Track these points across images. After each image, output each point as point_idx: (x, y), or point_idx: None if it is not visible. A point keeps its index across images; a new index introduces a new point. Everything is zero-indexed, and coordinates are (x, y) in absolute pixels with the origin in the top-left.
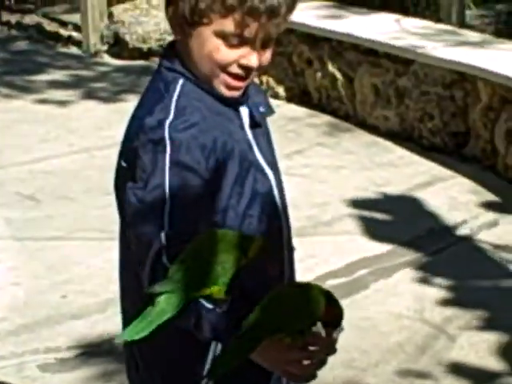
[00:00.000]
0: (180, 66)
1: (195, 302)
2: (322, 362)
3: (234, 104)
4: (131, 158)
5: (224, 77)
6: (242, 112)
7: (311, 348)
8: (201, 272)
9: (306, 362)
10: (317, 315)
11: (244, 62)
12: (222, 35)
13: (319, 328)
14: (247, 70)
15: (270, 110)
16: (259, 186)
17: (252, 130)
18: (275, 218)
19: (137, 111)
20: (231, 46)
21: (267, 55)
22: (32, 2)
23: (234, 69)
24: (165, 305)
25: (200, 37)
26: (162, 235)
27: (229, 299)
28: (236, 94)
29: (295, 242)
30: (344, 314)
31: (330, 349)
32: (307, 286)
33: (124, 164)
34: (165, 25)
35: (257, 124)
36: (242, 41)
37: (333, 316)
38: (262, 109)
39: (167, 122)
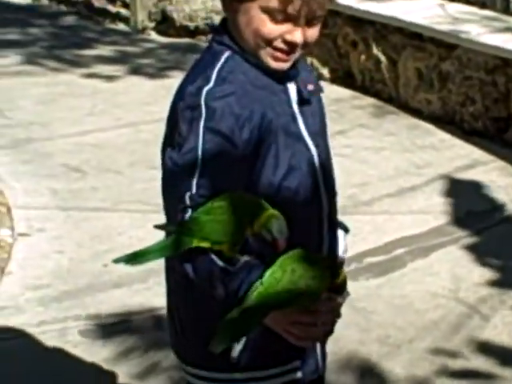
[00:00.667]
0: (228, 40)
1: (209, 260)
2: (327, 326)
3: (281, 79)
4: (172, 125)
5: (270, 50)
6: (290, 88)
7: (315, 312)
8: (214, 226)
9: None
10: (322, 290)
11: (288, 37)
12: (268, 10)
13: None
14: (292, 45)
15: (319, 89)
16: (299, 159)
17: (299, 106)
18: (314, 192)
19: (183, 81)
20: (276, 21)
21: (313, 33)
22: None
23: (279, 44)
24: (169, 242)
25: (247, 12)
26: (187, 197)
27: (239, 258)
28: (283, 65)
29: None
30: (347, 281)
31: (334, 313)
32: (314, 261)
33: (167, 131)
34: (211, 3)
35: (304, 100)
36: (286, 17)
37: (337, 286)
38: (310, 86)
39: (205, 90)
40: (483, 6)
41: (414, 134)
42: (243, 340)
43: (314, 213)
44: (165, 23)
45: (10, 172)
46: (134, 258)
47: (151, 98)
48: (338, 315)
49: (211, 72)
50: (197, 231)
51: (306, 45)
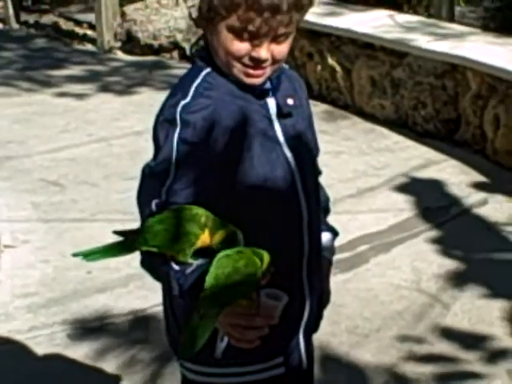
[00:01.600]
0: (207, 58)
1: (167, 265)
2: (263, 331)
3: (260, 95)
4: (152, 136)
5: (241, 67)
6: (269, 103)
7: (252, 316)
8: (165, 235)
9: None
10: (258, 277)
11: (254, 54)
12: (233, 29)
13: (263, 297)
14: (258, 61)
15: (300, 103)
16: (276, 163)
17: (279, 119)
18: (292, 194)
19: (167, 95)
20: (242, 39)
21: (281, 49)
22: (48, 2)
23: (247, 60)
24: (123, 246)
25: (218, 32)
26: (153, 204)
27: (194, 263)
28: (255, 81)
29: None
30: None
31: (269, 318)
32: (243, 252)
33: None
34: (174, 22)
35: (285, 114)
36: (250, 35)
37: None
38: (290, 101)
39: (181, 104)
40: (429, 16)
41: (370, 138)
42: (225, 339)
43: (292, 214)
44: (130, 42)
45: None
46: (90, 255)
47: (121, 114)
48: (274, 319)
49: (189, 87)
50: (150, 239)
51: (275, 61)
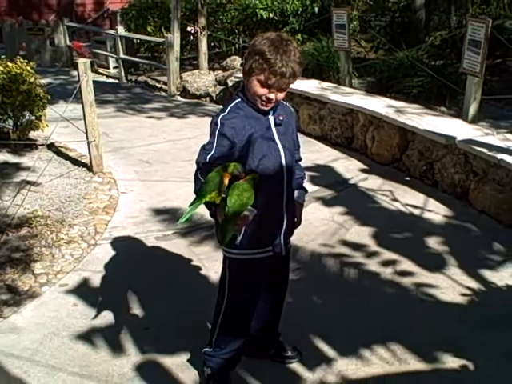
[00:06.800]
0: (241, 93)
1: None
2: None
3: (265, 114)
4: (209, 130)
5: (259, 100)
6: (270, 118)
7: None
8: (206, 187)
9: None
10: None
11: (268, 95)
12: (259, 81)
13: (247, 211)
14: (269, 100)
15: (288, 120)
16: (271, 151)
17: (276, 126)
18: (280, 167)
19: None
20: (263, 87)
21: (281, 95)
22: (142, 69)
23: (263, 98)
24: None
25: (251, 81)
26: (201, 164)
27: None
28: (266, 108)
29: None
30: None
31: (246, 219)
32: (242, 184)
33: None
34: (207, 83)
35: (278, 124)
36: (267, 86)
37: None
38: (281, 117)
39: (221, 115)
40: (339, 83)
41: (308, 145)
42: (241, 234)
43: (279, 175)
44: (184, 91)
45: (114, 163)
46: (185, 217)
47: (180, 128)
48: (249, 220)
49: (227, 107)
50: (202, 192)
51: (277, 100)
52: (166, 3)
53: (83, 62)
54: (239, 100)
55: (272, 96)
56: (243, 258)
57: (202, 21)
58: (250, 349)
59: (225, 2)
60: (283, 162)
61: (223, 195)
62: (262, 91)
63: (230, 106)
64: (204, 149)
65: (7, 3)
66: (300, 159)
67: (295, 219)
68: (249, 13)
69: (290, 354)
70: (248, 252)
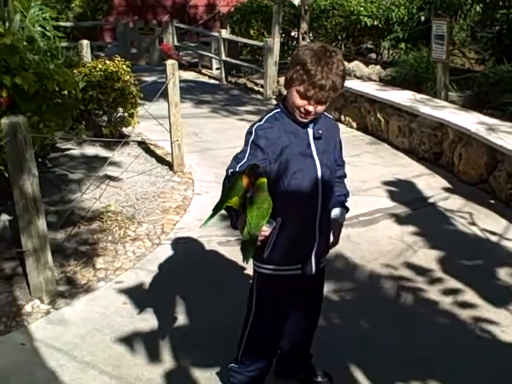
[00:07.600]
0: (281, 104)
1: (233, 211)
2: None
3: (304, 126)
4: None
5: (298, 112)
6: (309, 131)
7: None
8: (229, 192)
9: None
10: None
11: (307, 107)
12: (299, 93)
13: (266, 225)
14: (308, 112)
15: (328, 133)
16: (307, 167)
17: (315, 140)
18: (315, 184)
19: None
20: (302, 99)
21: (320, 108)
22: (243, 72)
23: (302, 110)
24: (215, 209)
25: (291, 92)
26: (229, 172)
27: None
28: (304, 120)
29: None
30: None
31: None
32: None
33: None
34: None
35: (317, 137)
36: (306, 98)
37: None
38: (320, 131)
39: (257, 124)
40: (435, 95)
41: (394, 158)
42: (269, 248)
43: (313, 195)
44: (280, 96)
45: (196, 164)
46: (204, 221)
47: None
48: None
49: (264, 117)
50: (224, 199)
51: (316, 113)
52: (271, 8)
53: (171, 64)
54: (278, 110)
55: (311, 108)
56: (271, 274)
57: (304, 26)
58: (281, 368)
59: (329, 8)
60: (319, 177)
61: (247, 196)
62: (300, 102)
63: (268, 115)
64: (236, 158)
65: (126, 3)
66: (344, 176)
67: (331, 239)
68: (353, 20)
69: (320, 379)
70: (276, 268)
